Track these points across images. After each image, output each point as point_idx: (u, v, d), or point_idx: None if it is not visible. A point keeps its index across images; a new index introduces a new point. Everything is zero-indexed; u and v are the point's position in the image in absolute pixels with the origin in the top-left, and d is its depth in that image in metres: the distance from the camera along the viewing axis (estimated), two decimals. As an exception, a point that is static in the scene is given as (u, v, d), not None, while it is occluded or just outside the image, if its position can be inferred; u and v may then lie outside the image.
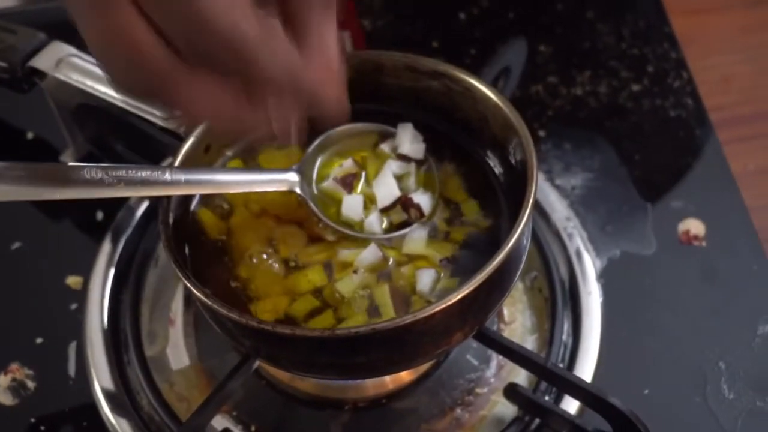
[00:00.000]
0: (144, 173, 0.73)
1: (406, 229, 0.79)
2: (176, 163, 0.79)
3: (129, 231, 0.96)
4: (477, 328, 0.77)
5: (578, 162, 1.01)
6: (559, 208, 0.97)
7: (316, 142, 0.82)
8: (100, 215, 0.98)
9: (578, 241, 0.95)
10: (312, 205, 0.79)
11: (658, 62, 1.09)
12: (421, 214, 0.79)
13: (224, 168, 0.82)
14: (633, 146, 1.03)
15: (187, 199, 0.81)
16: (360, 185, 0.81)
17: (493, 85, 0.83)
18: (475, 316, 0.75)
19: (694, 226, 0.96)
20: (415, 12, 1.14)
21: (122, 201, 0.98)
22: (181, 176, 0.75)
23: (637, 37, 1.11)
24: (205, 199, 0.82)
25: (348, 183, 0.81)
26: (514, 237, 0.71)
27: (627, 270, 0.94)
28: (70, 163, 0.74)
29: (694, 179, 1.00)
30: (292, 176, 0.80)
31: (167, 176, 0.74)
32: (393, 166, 0.81)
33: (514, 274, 0.76)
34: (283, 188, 0.79)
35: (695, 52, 1.11)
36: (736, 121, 1.11)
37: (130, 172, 0.73)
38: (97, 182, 0.71)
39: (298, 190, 0.79)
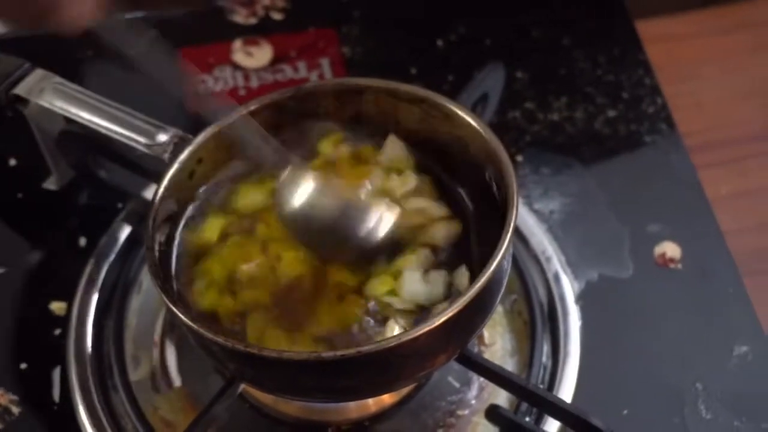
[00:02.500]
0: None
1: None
2: (161, 190, 0.80)
3: (112, 257, 0.97)
4: (460, 351, 0.78)
5: (556, 187, 1.03)
6: (537, 232, 0.99)
7: None
8: (83, 241, 0.98)
9: (556, 265, 0.96)
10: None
11: (632, 88, 1.10)
12: None
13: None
14: (609, 171, 1.05)
15: (173, 224, 0.82)
16: None
17: (471, 111, 0.84)
18: (457, 339, 0.76)
19: (670, 249, 0.98)
20: (393, 39, 1.16)
21: (105, 227, 0.98)
22: None
23: (612, 63, 1.13)
24: (189, 224, 0.83)
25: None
26: (496, 260, 0.72)
27: (605, 293, 0.95)
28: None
29: (669, 203, 1.02)
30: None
31: None
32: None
33: (496, 297, 0.77)
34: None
35: (668, 78, 1.13)
36: (709, 146, 1.12)
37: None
38: None
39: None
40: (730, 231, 1.00)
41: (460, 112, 0.82)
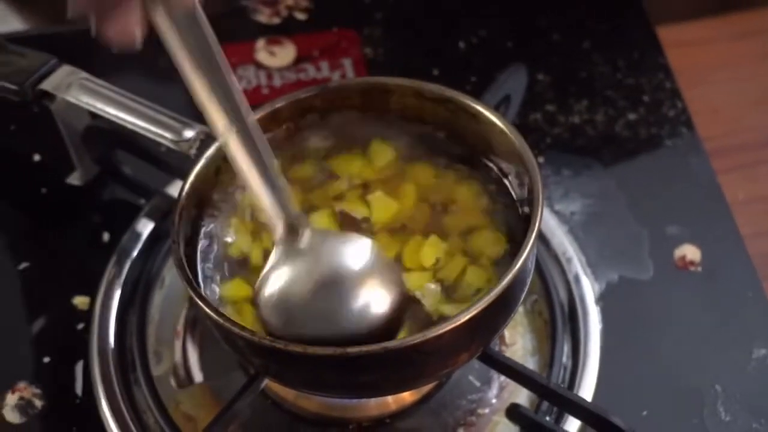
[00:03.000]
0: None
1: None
2: (187, 186, 0.80)
3: (135, 253, 0.97)
4: (482, 349, 0.79)
5: (577, 188, 1.03)
6: (558, 233, 0.99)
7: None
8: (106, 236, 0.99)
9: (577, 266, 0.97)
10: None
11: (653, 92, 1.11)
12: None
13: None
14: (630, 173, 1.05)
15: (198, 220, 0.82)
16: None
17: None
18: (481, 337, 0.77)
19: (690, 252, 0.98)
20: (415, 41, 1.16)
21: (128, 223, 0.99)
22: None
23: (632, 67, 1.13)
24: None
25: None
26: (521, 259, 0.73)
27: (625, 294, 0.96)
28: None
29: (689, 206, 1.02)
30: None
31: None
32: None
33: (519, 296, 0.78)
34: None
35: (684, 82, 1.13)
36: (725, 151, 1.12)
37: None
38: None
39: None
40: (747, 235, 1.00)
41: (486, 112, 0.82)
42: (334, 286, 0.73)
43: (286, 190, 0.74)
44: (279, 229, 0.74)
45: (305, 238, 0.74)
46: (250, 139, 0.71)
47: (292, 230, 0.74)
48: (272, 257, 0.75)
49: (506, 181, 0.83)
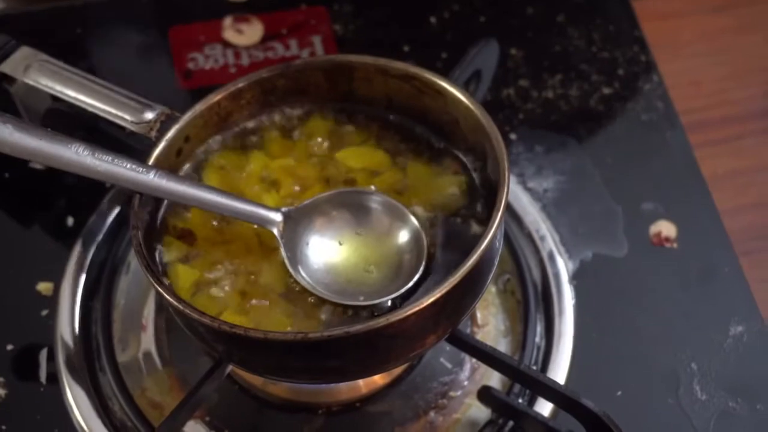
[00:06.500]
0: (128, 165, 0.75)
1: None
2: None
3: (100, 237, 0.96)
4: (450, 331, 0.77)
5: (550, 165, 1.01)
6: (531, 211, 0.98)
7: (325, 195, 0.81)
8: (70, 221, 0.98)
9: (550, 244, 0.95)
10: (284, 253, 0.77)
11: (628, 66, 1.09)
12: None
13: (207, 186, 0.79)
14: (604, 149, 1.03)
15: (158, 204, 0.80)
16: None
17: (464, 88, 0.83)
18: (448, 319, 0.75)
19: (665, 228, 0.97)
20: (386, 17, 1.14)
21: (93, 207, 0.97)
22: (163, 181, 0.75)
23: (607, 40, 1.12)
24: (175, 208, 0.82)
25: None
26: (486, 240, 0.71)
27: (599, 272, 0.95)
28: (60, 134, 0.76)
29: (665, 181, 1.01)
30: (276, 216, 0.77)
31: (150, 176, 0.75)
32: None
33: (487, 277, 0.76)
34: (262, 225, 0.77)
35: (664, 56, 1.12)
36: (706, 125, 1.12)
37: (115, 160, 0.75)
38: (80, 159, 0.75)
39: (275, 231, 0.77)
40: (726, 210, 0.99)
41: (451, 89, 0.80)
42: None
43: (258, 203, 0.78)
44: (279, 226, 0.77)
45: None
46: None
47: (288, 218, 0.77)
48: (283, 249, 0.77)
49: (472, 160, 0.81)
